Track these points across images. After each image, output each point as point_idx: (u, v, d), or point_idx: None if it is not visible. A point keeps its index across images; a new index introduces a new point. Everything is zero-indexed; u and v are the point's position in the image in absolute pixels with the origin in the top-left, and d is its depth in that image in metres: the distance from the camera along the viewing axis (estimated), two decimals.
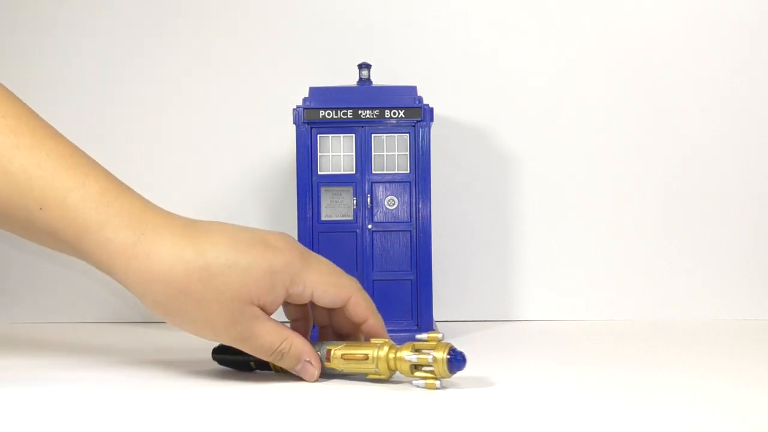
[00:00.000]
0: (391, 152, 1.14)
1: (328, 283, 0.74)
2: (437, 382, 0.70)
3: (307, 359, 0.74)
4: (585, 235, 1.32)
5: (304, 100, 1.15)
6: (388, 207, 1.14)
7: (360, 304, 0.76)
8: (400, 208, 1.14)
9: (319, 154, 1.14)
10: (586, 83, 1.32)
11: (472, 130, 1.30)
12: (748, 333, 1.18)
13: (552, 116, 1.32)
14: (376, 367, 0.73)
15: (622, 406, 0.73)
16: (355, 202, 1.13)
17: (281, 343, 0.72)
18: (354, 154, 1.14)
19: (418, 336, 0.72)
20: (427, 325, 1.14)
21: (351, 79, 1.24)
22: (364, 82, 1.20)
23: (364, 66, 1.21)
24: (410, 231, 1.13)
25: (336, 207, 1.14)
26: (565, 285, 1.31)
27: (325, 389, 0.77)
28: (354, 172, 1.14)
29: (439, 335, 0.72)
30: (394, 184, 1.14)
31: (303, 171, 1.13)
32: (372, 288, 1.12)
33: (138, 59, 1.36)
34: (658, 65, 1.32)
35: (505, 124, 1.31)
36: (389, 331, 1.14)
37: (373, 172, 1.13)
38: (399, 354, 0.73)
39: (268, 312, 0.73)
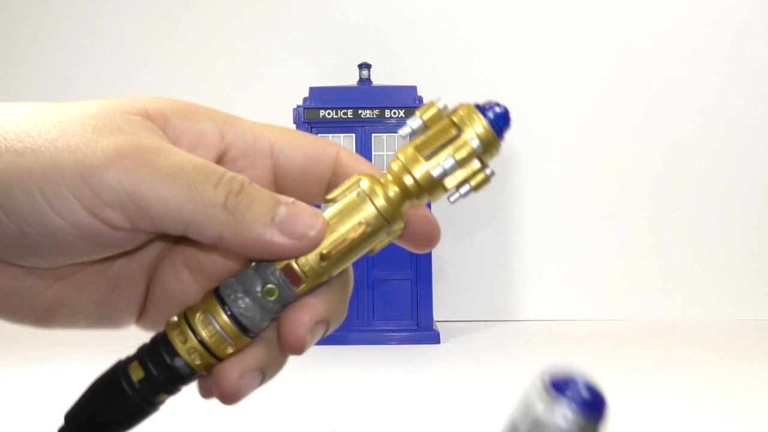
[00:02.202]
0: (391, 152, 1.14)
1: (292, 132, 0.40)
2: (487, 171, 0.37)
3: (290, 200, 0.35)
4: (585, 236, 1.32)
5: (304, 99, 1.15)
6: None
7: (354, 157, 0.41)
8: None
9: None
10: (587, 84, 1.32)
11: None
12: (748, 333, 1.18)
13: (552, 117, 1.32)
14: (386, 224, 0.36)
15: (621, 406, 0.73)
16: None
17: (223, 171, 0.34)
18: None
19: (410, 122, 0.37)
20: (428, 325, 1.14)
21: (351, 79, 1.24)
22: (364, 82, 1.20)
23: (364, 66, 1.21)
24: None
25: None
26: (564, 285, 1.31)
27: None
28: None
29: (438, 102, 0.38)
30: None
31: None
32: (372, 288, 1.13)
33: (139, 60, 1.36)
34: (657, 67, 1.32)
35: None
36: (389, 331, 1.14)
37: None
38: (417, 171, 0.36)
39: None
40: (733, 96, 1.31)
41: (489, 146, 0.36)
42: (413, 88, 1.17)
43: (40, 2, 1.37)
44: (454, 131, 0.36)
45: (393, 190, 0.36)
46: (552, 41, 1.33)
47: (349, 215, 0.35)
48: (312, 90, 1.16)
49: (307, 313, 0.35)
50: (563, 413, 0.28)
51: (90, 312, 0.38)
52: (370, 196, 0.35)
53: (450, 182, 0.36)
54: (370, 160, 1.15)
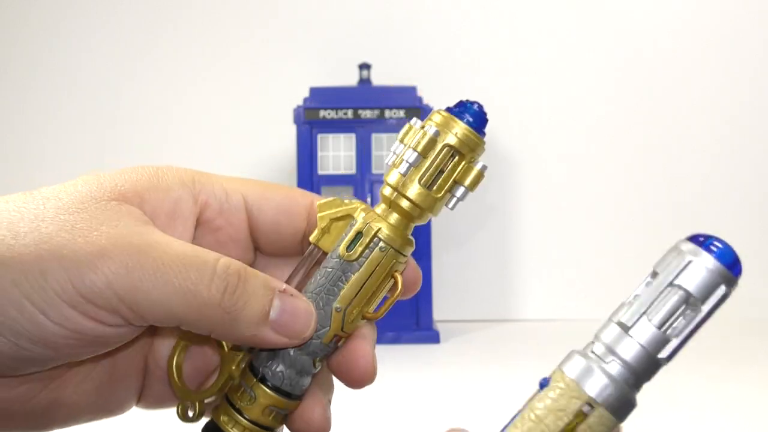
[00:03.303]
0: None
1: (264, 185, 0.39)
2: (478, 166, 0.36)
3: (282, 287, 0.35)
4: (584, 235, 1.32)
5: (305, 100, 1.15)
6: None
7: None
8: None
9: (319, 153, 1.14)
10: (587, 84, 1.32)
11: None
12: (748, 333, 1.18)
13: (552, 117, 1.32)
14: (396, 248, 0.36)
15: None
16: None
17: (218, 260, 0.33)
18: (354, 153, 1.14)
19: (393, 149, 0.37)
20: (427, 324, 1.14)
21: (351, 79, 1.24)
22: (364, 82, 1.20)
23: (364, 66, 1.21)
24: None
25: None
26: (564, 285, 1.31)
27: None
28: (354, 171, 1.14)
29: (414, 123, 0.37)
30: None
31: (303, 170, 1.13)
32: None
33: (140, 61, 1.36)
34: (656, 68, 1.32)
35: (505, 125, 1.31)
36: (388, 331, 1.14)
37: (373, 171, 1.13)
38: (423, 203, 0.35)
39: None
40: (733, 97, 1.32)
41: (475, 147, 0.36)
42: (413, 88, 1.17)
43: (41, 2, 1.37)
44: (448, 152, 0.35)
45: (398, 221, 0.36)
46: (552, 41, 1.33)
47: (382, 273, 0.35)
48: (312, 90, 1.16)
49: (361, 348, 0.36)
50: (719, 269, 0.31)
51: (90, 404, 0.36)
52: (394, 246, 0.35)
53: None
54: (370, 161, 1.16)
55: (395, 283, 0.36)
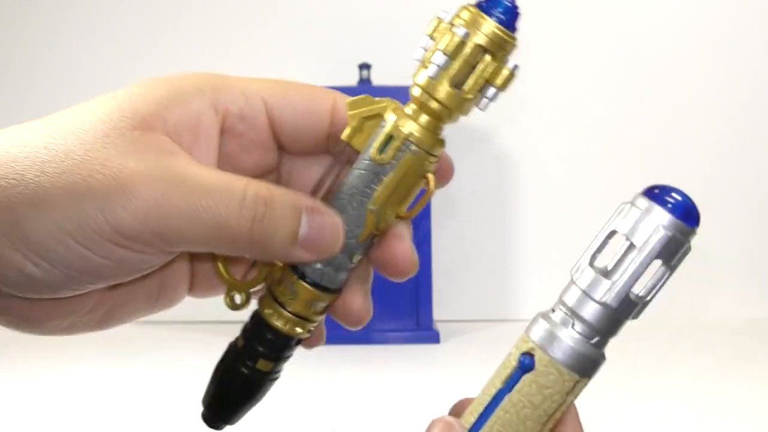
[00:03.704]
0: None
1: (285, 84, 0.38)
2: (510, 65, 0.35)
3: (309, 204, 0.35)
4: (584, 235, 1.32)
5: None
6: None
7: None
8: None
9: None
10: (586, 85, 1.32)
11: (472, 131, 1.30)
12: (748, 333, 1.18)
13: (552, 117, 1.32)
14: (427, 150, 0.35)
15: (621, 406, 0.73)
16: None
17: (248, 182, 0.34)
18: None
19: (420, 43, 0.35)
20: (427, 324, 1.14)
21: (351, 79, 1.24)
22: (364, 82, 1.20)
23: (364, 66, 1.21)
24: None
25: None
26: (564, 285, 1.31)
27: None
28: None
29: (443, 16, 0.35)
30: None
31: None
32: (372, 287, 1.12)
33: (140, 61, 1.36)
34: (656, 69, 1.32)
35: (505, 125, 1.31)
36: (388, 331, 1.14)
37: None
38: (451, 103, 0.34)
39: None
40: (733, 97, 1.32)
41: (505, 45, 0.35)
42: None
43: (41, 2, 1.37)
44: (479, 53, 0.34)
45: (429, 122, 0.35)
46: (552, 41, 1.33)
47: (414, 175, 0.35)
48: None
49: (401, 240, 0.37)
50: (661, 217, 0.30)
51: (142, 306, 0.38)
52: (425, 149, 0.35)
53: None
54: None
55: (427, 183, 0.35)
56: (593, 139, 1.32)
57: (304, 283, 0.36)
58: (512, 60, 0.35)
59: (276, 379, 0.38)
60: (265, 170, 0.39)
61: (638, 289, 0.30)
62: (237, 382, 0.38)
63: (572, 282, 0.32)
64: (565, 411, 0.31)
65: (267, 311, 0.36)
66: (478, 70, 0.34)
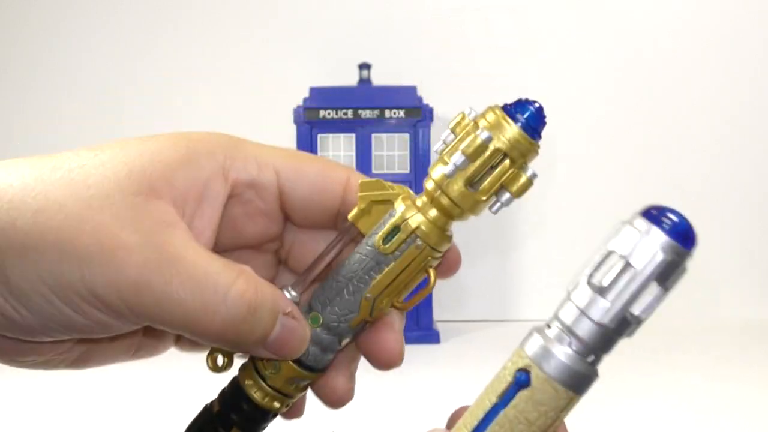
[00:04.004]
0: (391, 152, 1.14)
1: (299, 157, 0.38)
2: (528, 173, 0.35)
3: (287, 309, 0.35)
4: (584, 235, 1.32)
5: (305, 100, 1.15)
6: None
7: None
8: None
9: (319, 153, 1.14)
10: (586, 84, 1.32)
11: None
12: (748, 333, 1.18)
13: (552, 118, 1.32)
14: (432, 246, 0.36)
15: (621, 406, 0.73)
16: None
17: (236, 278, 0.34)
18: (354, 153, 1.14)
19: (443, 137, 0.35)
20: (427, 324, 1.14)
21: (351, 79, 1.24)
22: (364, 82, 1.20)
23: (364, 66, 1.21)
24: None
25: None
26: (564, 285, 1.31)
27: None
28: None
29: (468, 114, 0.35)
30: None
31: None
32: None
33: (140, 61, 1.36)
34: (656, 69, 1.32)
35: None
36: None
37: (373, 171, 1.13)
38: (464, 204, 0.35)
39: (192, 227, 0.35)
40: (733, 97, 1.32)
41: (527, 153, 0.35)
42: (413, 88, 1.17)
43: (41, 2, 1.37)
44: (497, 157, 0.34)
45: (438, 217, 0.35)
46: (552, 41, 1.33)
47: (415, 268, 0.35)
48: (312, 90, 1.16)
49: (391, 330, 0.37)
50: (659, 238, 0.30)
51: (124, 352, 0.38)
52: (432, 246, 0.35)
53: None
54: (370, 161, 1.16)
55: (428, 278, 0.35)
56: (593, 139, 1.33)
57: (290, 361, 0.36)
58: (532, 166, 0.35)
59: None
60: (269, 238, 0.38)
61: (635, 309, 0.30)
62: None
63: (569, 298, 0.32)
64: (557, 426, 0.32)
65: (247, 382, 0.36)
66: (495, 174, 0.34)
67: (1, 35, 1.38)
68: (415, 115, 1.13)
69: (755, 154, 1.31)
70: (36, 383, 0.88)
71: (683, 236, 0.30)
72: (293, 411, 0.39)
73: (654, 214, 0.30)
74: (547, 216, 1.33)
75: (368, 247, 0.35)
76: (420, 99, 1.15)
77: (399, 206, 0.35)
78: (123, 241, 0.32)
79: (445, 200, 0.34)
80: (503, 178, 0.34)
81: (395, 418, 0.71)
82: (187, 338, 0.38)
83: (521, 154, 0.34)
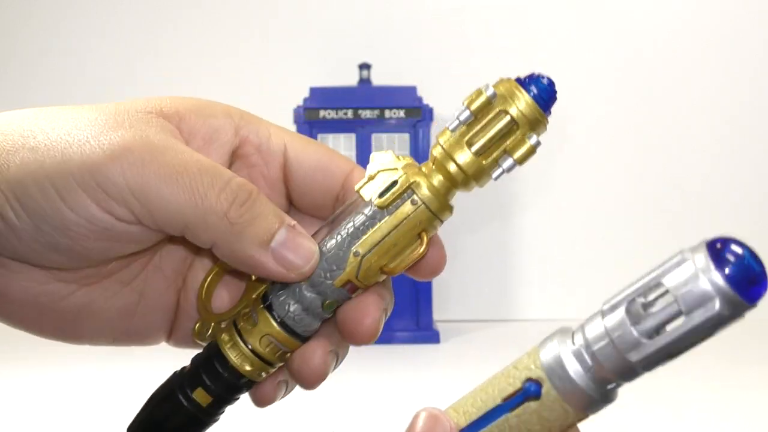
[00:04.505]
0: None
1: (309, 140, 0.38)
2: (531, 140, 0.34)
3: (292, 223, 0.34)
4: (585, 235, 1.32)
5: (305, 100, 1.15)
6: None
7: None
8: None
9: None
10: (586, 84, 1.32)
11: None
12: (748, 333, 1.18)
13: (552, 117, 1.32)
14: (440, 221, 0.35)
15: (620, 405, 0.73)
16: None
17: (231, 176, 0.33)
18: (354, 153, 1.14)
19: (458, 114, 0.34)
20: (427, 324, 1.14)
21: (351, 79, 1.24)
22: (364, 82, 1.20)
23: (364, 66, 1.21)
24: None
25: None
26: (564, 285, 1.31)
27: None
28: None
29: (486, 90, 0.34)
30: None
31: None
32: None
33: (140, 61, 1.36)
34: (656, 69, 1.32)
35: None
36: (388, 330, 1.14)
37: None
38: (468, 167, 0.34)
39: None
40: (733, 97, 1.32)
41: (536, 124, 0.34)
42: (413, 88, 1.17)
43: (41, 2, 1.37)
44: (502, 119, 0.33)
45: (441, 183, 0.34)
46: (552, 41, 1.33)
47: (410, 228, 0.33)
48: (312, 90, 1.16)
49: (372, 305, 0.35)
50: (714, 279, 0.24)
51: (116, 323, 0.37)
52: (427, 203, 0.34)
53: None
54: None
55: (420, 243, 0.34)
56: (593, 138, 1.32)
57: (268, 314, 0.34)
58: (535, 135, 0.34)
59: (211, 422, 0.36)
60: None
61: (672, 354, 0.27)
62: (168, 409, 0.35)
63: (601, 318, 0.28)
64: None
65: (223, 337, 0.35)
66: (500, 138, 0.33)
67: (1, 35, 1.38)
68: (415, 115, 1.13)
69: (755, 154, 1.31)
70: (34, 379, 0.88)
71: (746, 282, 0.24)
72: (263, 394, 0.37)
73: (718, 249, 0.25)
74: (548, 216, 1.33)
75: (367, 205, 0.34)
76: (420, 99, 1.15)
77: (402, 166, 0.34)
78: (130, 133, 0.32)
79: (450, 165, 0.34)
80: (507, 143, 0.34)
81: (395, 418, 0.71)
82: (182, 329, 0.38)
83: (529, 123, 0.34)
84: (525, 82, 0.34)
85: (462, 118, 0.33)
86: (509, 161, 0.34)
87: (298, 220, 0.37)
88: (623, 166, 1.32)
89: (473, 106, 0.33)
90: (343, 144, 1.14)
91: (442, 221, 0.34)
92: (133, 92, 1.38)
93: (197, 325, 0.36)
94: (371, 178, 0.34)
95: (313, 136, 1.14)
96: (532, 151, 0.34)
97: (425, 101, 1.15)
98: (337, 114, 1.13)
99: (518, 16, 1.33)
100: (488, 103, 0.33)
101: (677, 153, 1.32)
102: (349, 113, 1.13)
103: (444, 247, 0.36)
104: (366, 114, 1.13)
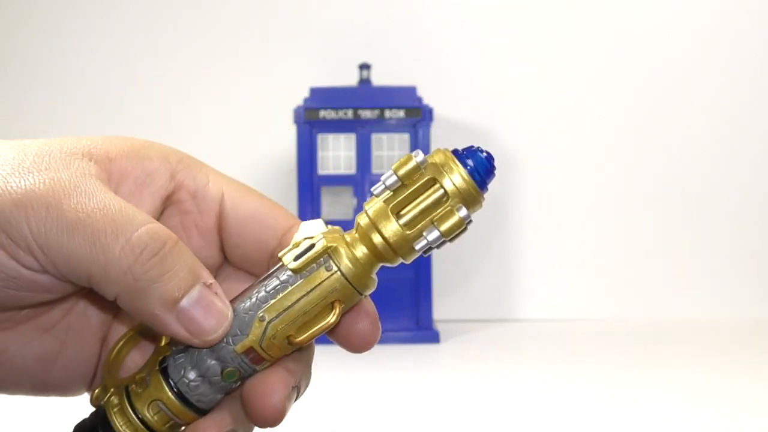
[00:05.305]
0: (391, 152, 1.14)
1: (251, 190, 0.36)
2: (460, 210, 0.31)
3: (208, 281, 0.32)
4: (584, 236, 1.32)
5: (305, 100, 1.15)
6: None
7: None
8: None
9: (319, 153, 1.14)
10: (586, 85, 1.32)
11: (472, 130, 1.30)
12: (747, 333, 1.18)
13: (551, 117, 1.32)
14: (360, 295, 0.33)
15: (621, 405, 0.73)
16: (355, 201, 1.13)
17: (146, 223, 0.31)
18: (354, 153, 1.14)
19: (384, 178, 0.32)
20: (427, 324, 1.14)
21: (351, 79, 1.24)
22: (364, 82, 1.20)
23: (364, 66, 1.21)
24: None
25: (336, 206, 1.14)
26: (564, 285, 1.31)
27: None
28: (354, 171, 1.14)
29: (416, 156, 0.32)
30: None
31: (303, 170, 1.14)
32: None
33: (140, 61, 1.36)
34: (656, 69, 1.32)
35: (505, 124, 1.31)
36: (388, 331, 1.14)
37: (373, 171, 1.13)
38: (394, 240, 0.32)
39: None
40: (733, 97, 1.32)
41: (471, 200, 0.31)
42: (413, 88, 1.17)
43: (41, 2, 1.37)
44: (433, 190, 0.31)
45: (365, 255, 0.32)
46: (552, 41, 1.33)
47: (321, 296, 0.31)
48: (312, 90, 1.16)
49: (278, 382, 0.32)
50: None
51: (34, 371, 0.34)
52: (343, 270, 0.31)
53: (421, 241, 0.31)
54: (370, 161, 1.16)
55: (332, 313, 0.31)
56: (593, 139, 1.32)
57: (161, 377, 0.31)
58: (464, 207, 0.31)
59: None
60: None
61: None
62: None
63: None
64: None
65: (113, 400, 0.32)
66: (427, 208, 0.31)
67: (1, 35, 1.38)
68: (415, 115, 1.13)
69: (755, 154, 1.31)
70: None
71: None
72: None
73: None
74: (548, 216, 1.33)
75: (282, 270, 0.32)
76: (420, 99, 1.15)
77: (324, 233, 0.32)
78: (43, 177, 0.30)
79: (375, 237, 0.31)
80: (434, 214, 0.31)
81: (395, 418, 0.71)
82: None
83: (462, 198, 0.31)
84: (462, 155, 0.32)
85: (388, 182, 0.31)
86: (435, 233, 0.31)
87: (230, 276, 0.35)
88: (623, 166, 1.32)
89: (400, 171, 0.31)
90: (343, 144, 1.14)
91: (361, 294, 0.32)
92: (133, 92, 1.39)
93: (96, 390, 0.33)
94: (296, 245, 0.32)
95: (313, 136, 1.14)
96: (460, 224, 0.31)
97: (425, 101, 1.15)
98: (337, 114, 1.13)
99: (518, 16, 1.33)
100: (417, 170, 0.31)
101: (677, 153, 1.32)
102: (349, 113, 1.13)
103: (378, 320, 0.33)
104: (366, 114, 1.13)
